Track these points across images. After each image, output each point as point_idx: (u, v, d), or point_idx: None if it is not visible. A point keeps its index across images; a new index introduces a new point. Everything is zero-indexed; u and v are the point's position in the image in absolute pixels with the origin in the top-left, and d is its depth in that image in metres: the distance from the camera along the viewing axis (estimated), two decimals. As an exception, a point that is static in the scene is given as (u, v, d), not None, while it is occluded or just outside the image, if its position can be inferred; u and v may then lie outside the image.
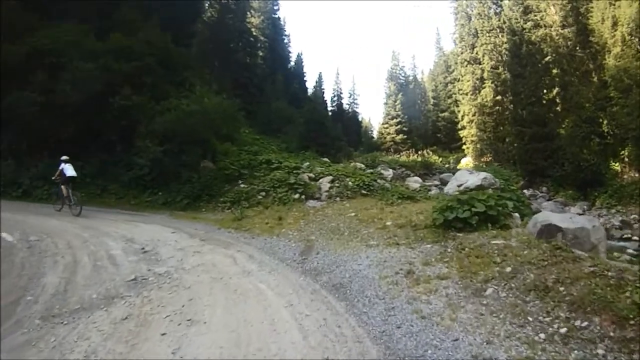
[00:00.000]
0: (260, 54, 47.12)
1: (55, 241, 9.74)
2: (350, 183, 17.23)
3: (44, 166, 17.65)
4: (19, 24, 18.82)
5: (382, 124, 63.06)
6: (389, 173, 28.65)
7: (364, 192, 16.68)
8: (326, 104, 63.20)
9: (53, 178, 14.65)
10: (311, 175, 18.31)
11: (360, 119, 76.07)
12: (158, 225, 12.97)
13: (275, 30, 53.37)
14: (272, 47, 50.76)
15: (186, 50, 27.80)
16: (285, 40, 57.68)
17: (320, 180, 17.61)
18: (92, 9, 21.94)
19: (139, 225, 12.85)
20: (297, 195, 16.52)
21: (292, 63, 60.04)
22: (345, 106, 69.10)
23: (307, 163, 20.85)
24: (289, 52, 58.86)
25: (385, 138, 58.74)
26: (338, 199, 16.16)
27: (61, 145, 17.49)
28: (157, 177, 18.12)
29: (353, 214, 13.49)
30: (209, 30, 38.58)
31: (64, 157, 14.61)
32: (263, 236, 12.10)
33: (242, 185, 18.11)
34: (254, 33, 46.08)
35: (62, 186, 14.25)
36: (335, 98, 68.53)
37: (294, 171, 18.56)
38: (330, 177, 17.67)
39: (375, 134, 73.42)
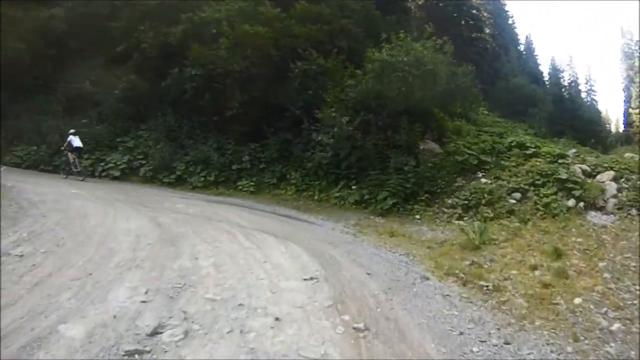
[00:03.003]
0: (487, 30, 39.66)
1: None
2: (644, 183, 10.09)
3: (207, 148, 14.62)
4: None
5: (633, 108, 48.71)
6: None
7: (671, 198, 9.61)
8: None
9: (62, 148, 14.93)
10: (584, 167, 11.10)
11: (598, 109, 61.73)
12: (302, 250, 7.23)
13: (496, 6, 45.30)
14: (498, 24, 42.54)
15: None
16: (510, 21, 48.73)
17: (599, 177, 10.64)
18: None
19: (264, 246, 7.35)
20: (570, 202, 9.81)
21: (522, 46, 50.91)
22: (583, 94, 56.02)
23: (574, 150, 13.24)
24: (516, 33, 49.79)
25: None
26: (634, 210, 9.27)
27: (228, 124, 14.71)
28: (355, 162, 12.36)
29: None
30: (426, 10, 34.59)
31: (72, 130, 14.97)
32: (536, 325, 5.47)
33: (482, 180, 11.10)
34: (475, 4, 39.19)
35: (69, 154, 14.58)
36: (573, 84, 56.17)
37: (559, 160, 11.40)
38: (612, 173, 10.64)
39: (612, 127, 59.04)
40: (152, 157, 14.71)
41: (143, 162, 14.90)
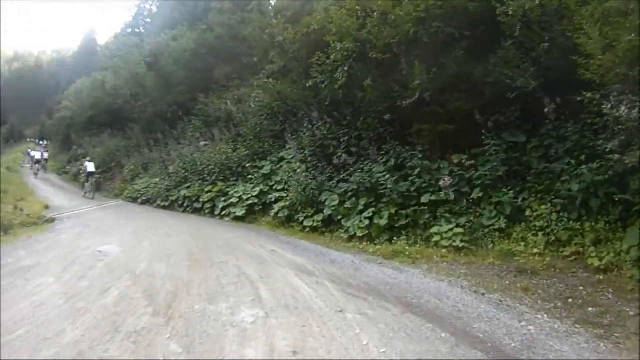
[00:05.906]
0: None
1: None
2: None
3: (377, 168, 8.65)
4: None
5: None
6: None
7: None
8: None
9: (81, 172, 19.30)
10: None
11: None
12: None
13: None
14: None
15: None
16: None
17: None
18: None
19: None
20: None
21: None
22: None
23: None
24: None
25: None
26: None
27: (409, 126, 8.72)
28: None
29: None
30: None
31: (87, 158, 18.83)
32: None
33: None
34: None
35: (86, 178, 17.53)
36: None
37: None
38: None
39: None
40: (290, 187, 9.60)
41: (282, 194, 9.85)
